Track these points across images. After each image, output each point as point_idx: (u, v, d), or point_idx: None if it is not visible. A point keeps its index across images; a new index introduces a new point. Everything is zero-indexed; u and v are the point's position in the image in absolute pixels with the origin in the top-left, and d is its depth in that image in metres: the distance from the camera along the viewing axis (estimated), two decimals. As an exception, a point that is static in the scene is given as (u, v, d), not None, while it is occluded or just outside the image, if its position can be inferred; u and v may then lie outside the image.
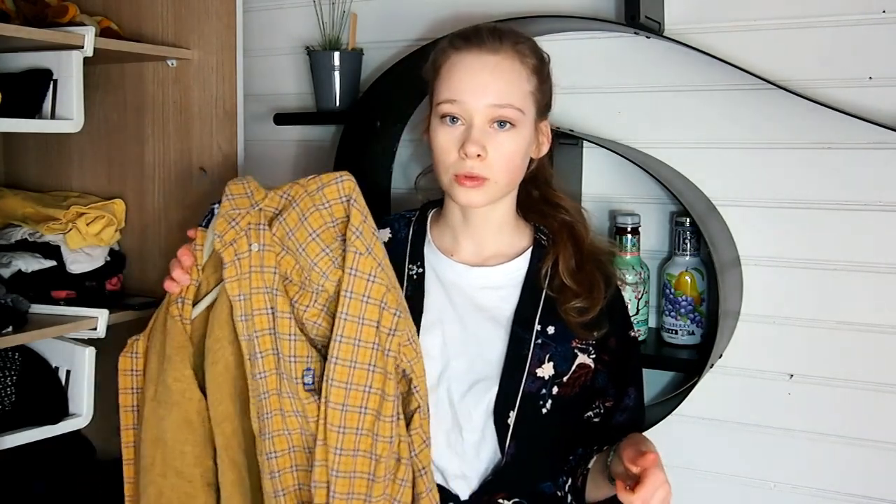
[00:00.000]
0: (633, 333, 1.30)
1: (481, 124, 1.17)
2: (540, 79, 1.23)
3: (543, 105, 1.25)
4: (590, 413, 1.25)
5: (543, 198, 1.31)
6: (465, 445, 1.20)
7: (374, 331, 1.11)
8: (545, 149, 1.28)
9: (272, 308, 1.13)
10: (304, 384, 1.13)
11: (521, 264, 1.26)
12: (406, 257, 1.29)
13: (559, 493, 1.24)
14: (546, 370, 1.20)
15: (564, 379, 1.21)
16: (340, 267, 1.12)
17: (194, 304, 1.19)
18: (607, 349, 1.24)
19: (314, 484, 1.11)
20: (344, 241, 1.13)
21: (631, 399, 1.26)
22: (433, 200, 1.37)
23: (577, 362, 1.22)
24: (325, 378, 1.11)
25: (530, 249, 1.27)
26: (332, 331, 1.12)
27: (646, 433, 1.49)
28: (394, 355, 1.13)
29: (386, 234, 1.32)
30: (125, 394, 1.23)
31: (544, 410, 1.20)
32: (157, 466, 1.17)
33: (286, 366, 1.13)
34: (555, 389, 1.20)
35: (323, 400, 1.11)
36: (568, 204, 1.31)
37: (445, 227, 1.30)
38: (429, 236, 1.31)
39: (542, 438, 1.22)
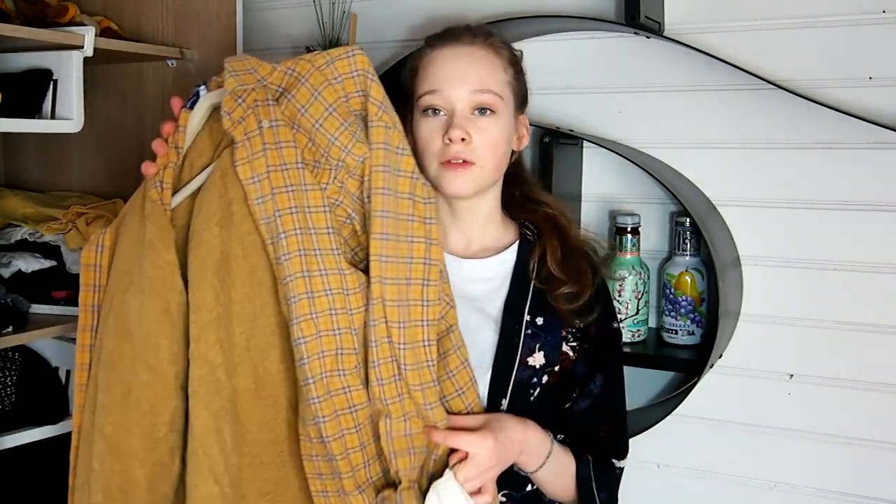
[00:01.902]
0: (615, 325, 1.31)
1: (463, 111, 1.19)
2: (515, 70, 1.26)
3: (521, 97, 1.27)
4: (569, 402, 1.26)
5: (524, 195, 1.33)
6: None
7: (409, 203, 1.09)
8: (525, 141, 1.31)
9: (296, 185, 1.06)
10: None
11: (509, 257, 1.27)
12: None
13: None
14: (537, 359, 1.21)
15: (555, 368, 1.22)
16: (360, 141, 1.08)
17: (175, 191, 1.10)
18: (588, 337, 1.25)
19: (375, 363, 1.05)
20: (357, 116, 1.09)
21: (596, 386, 1.25)
22: None
23: (563, 350, 1.23)
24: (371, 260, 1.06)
25: (517, 243, 1.28)
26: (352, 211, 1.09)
27: (646, 433, 1.50)
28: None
29: None
30: (86, 291, 1.12)
31: (532, 398, 1.21)
32: (126, 361, 1.05)
33: (321, 239, 1.06)
34: (545, 378, 1.22)
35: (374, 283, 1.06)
36: (549, 199, 1.33)
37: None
38: None
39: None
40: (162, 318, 1.06)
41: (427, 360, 1.08)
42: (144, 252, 1.07)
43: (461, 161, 1.18)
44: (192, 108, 1.11)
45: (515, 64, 1.26)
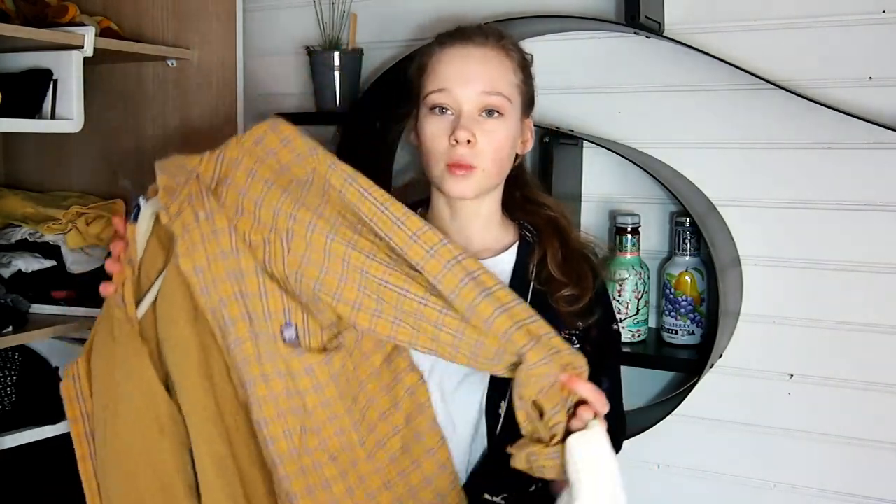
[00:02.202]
0: (615, 326, 1.31)
1: (470, 112, 1.19)
2: (525, 74, 1.25)
3: (528, 100, 1.27)
4: None
5: (526, 197, 1.33)
6: (458, 439, 1.20)
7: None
8: (529, 145, 1.30)
9: (235, 271, 1.06)
10: (283, 339, 1.06)
11: (509, 258, 1.27)
12: None
13: (540, 484, 1.24)
14: None
15: None
16: (305, 206, 1.06)
17: (137, 303, 1.11)
18: (589, 339, 1.25)
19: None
20: (298, 183, 1.08)
21: (602, 388, 1.25)
22: (419, 200, 1.37)
23: None
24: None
25: (516, 244, 1.28)
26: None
27: (646, 433, 1.50)
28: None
29: None
30: (76, 423, 1.14)
31: None
32: (132, 489, 1.09)
33: (261, 325, 1.06)
34: None
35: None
36: (550, 201, 1.33)
37: (433, 223, 1.30)
38: None
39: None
40: (158, 437, 1.08)
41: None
42: (122, 376, 1.08)
43: (466, 164, 1.18)
44: (136, 219, 1.12)
45: (525, 67, 1.26)
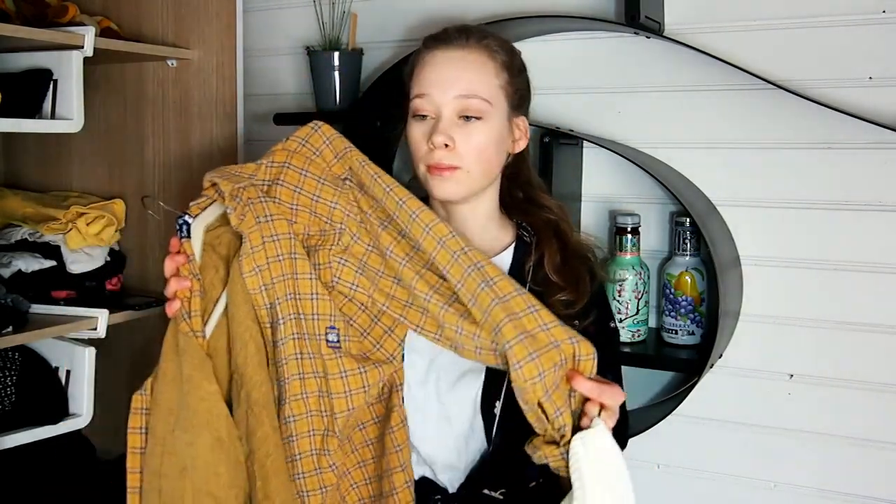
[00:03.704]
0: (613, 325, 1.31)
1: (449, 116, 1.20)
2: (511, 74, 1.24)
3: (517, 100, 1.26)
4: None
5: (527, 198, 1.33)
6: (454, 437, 1.21)
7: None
8: (522, 144, 1.29)
9: (291, 273, 1.11)
10: (326, 341, 1.12)
11: (505, 259, 1.27)
12: None
13: (541, 480, 1.24)
14: None
15: None
16: (355, 201, 1.15)
17: (205, 316, 1.12)
18: (587, 337, 1.25)
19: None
20: (342, 180, 1.16)
21: None
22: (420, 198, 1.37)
23: None
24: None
25: (513, 245, 1.28)
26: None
27: (646, 433, 1.50)
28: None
29: None
30: (134, 434, 1.13)
31: None
32: (188, 498, 1.08)
33: (308, 325, 1.12)
34: None
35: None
36: (552, 203, 1.32)
37: None
38: None
39: (528, 426, 1.22)
40: (216, 447, 1.09)
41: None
42: (186, 388, 1.09)
43: (445, 166, 1.19)
44: (188, 236, 1.13)
45: (511, 67, 1.25)
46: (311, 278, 1.12)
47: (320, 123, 1.17)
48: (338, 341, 1.13)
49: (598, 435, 0.99)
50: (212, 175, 1.13)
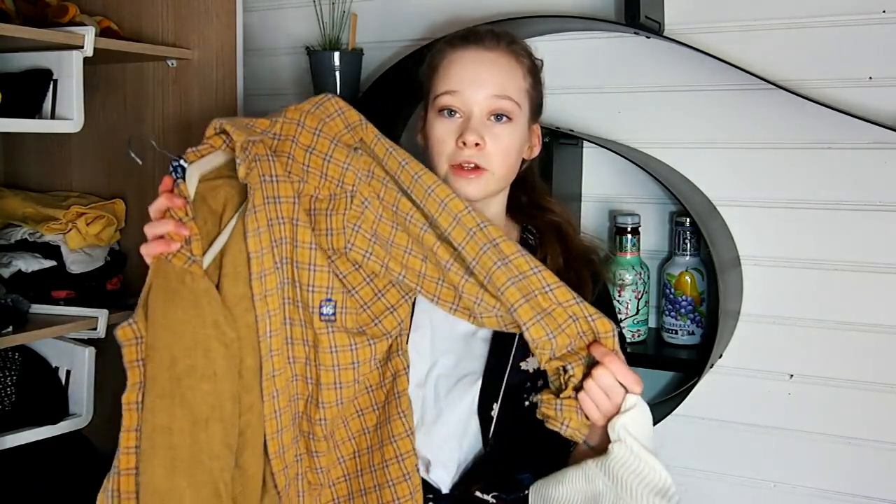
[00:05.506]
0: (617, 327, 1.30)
1: (480, 115, 1.19)
2: (534, 79, 1.25)
3: (536, 106, 1.27)
4: None
5: (531, 202, 1.33)
6: (450, 438, 1.21)
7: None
8: (536, 151, 1.30)
9: (291, 239, 1.08)
10: (320, 314, 1.10)
11: None
12: None
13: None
14: (530, 363, 1.20)
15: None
16: (370, 168, 1.13)
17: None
18: None
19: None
20: (355, 149, 1.13)
21: None
22: None
23: None
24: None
25: None
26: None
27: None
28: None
29: None
30: (132, 368, 1.05)
31: (526, 403, 1.20)
32: (204, 448, 1.01)
33: (303, 295, 1.09)
34: (539, 382, 1.21)
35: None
36: (556, 207, 1.32)
37: None
38: None
39: (524, 430, 1.22)
40: (236, 400, 1.04)
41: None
42: (205, 333, 1.03)
43: (473, 166, 1.18)
44: (183, 178, 1.07)
45: (535, 73, 1.25)
46: (310, 248, 1.09)
47: (332, 94, 1.14)
48: (333, 314, 1.10)
49: (641, 410, 1.04)
50: (222, 122, 1.07)
